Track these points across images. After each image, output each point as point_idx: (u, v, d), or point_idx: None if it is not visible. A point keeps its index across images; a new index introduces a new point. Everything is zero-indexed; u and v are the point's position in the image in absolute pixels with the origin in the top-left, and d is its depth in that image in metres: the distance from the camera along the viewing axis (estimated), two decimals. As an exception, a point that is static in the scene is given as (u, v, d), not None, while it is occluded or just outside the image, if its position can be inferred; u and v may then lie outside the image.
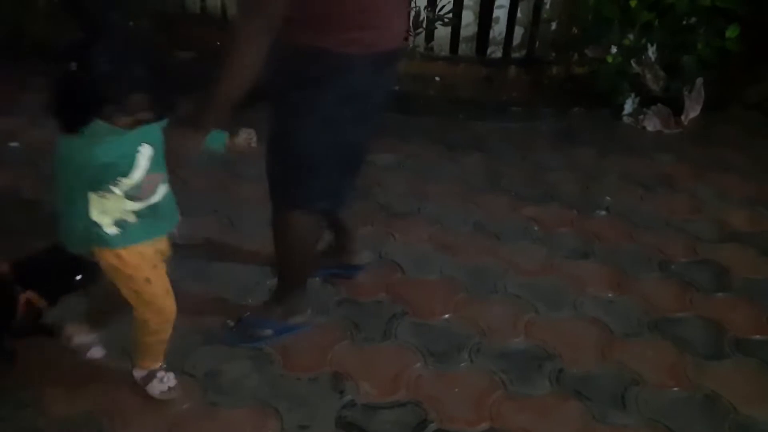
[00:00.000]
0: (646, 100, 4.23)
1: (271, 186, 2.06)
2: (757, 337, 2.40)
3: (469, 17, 4.60)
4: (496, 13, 4.60)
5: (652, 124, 4.16)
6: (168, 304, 1.82)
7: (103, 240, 1.68)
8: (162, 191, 1.71)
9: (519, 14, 4.61)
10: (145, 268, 1.75)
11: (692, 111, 4.19)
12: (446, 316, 2.43)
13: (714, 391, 2.13)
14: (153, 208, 1.70)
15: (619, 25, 4.12)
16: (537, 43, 4.71)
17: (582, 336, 2.37)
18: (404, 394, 2.06)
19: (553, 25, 4.67)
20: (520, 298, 2.55)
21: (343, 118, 1.89)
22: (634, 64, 4.15)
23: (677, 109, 4.18)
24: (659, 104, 4.19)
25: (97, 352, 2.08)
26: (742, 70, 4.39)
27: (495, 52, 4.71)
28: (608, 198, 3.27)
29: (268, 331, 2.23)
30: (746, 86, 4.55)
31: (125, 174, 1.60)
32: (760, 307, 2.56)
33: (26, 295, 1.84)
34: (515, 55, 4.73)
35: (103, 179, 1.59)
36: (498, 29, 4.66)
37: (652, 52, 4.13)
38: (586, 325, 2.42)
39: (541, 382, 2.15)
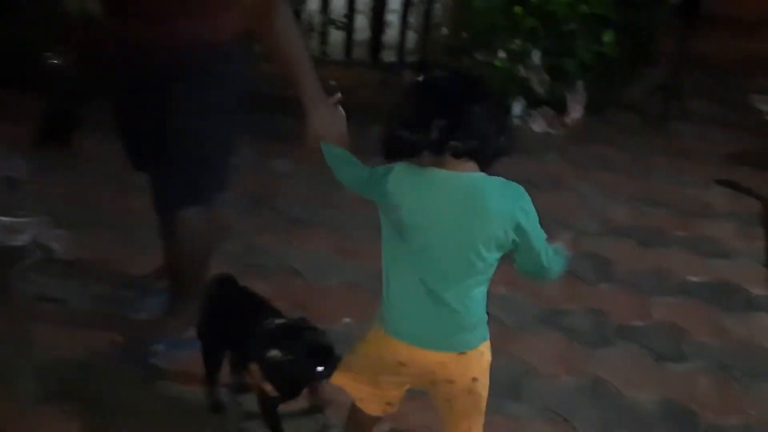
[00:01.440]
0: (533, 103, 4.42)
1: (165, 188, 2.00)
2: (638, 323, 2.57)
3: (362, 21, 4.64)
4: (389, 17, 4.67)
5: (539, 125, 4.35)
6: None
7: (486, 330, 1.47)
8: None
9: (411, 19, 4.70)
10: None
11: (575, 112, 4.43)
12: (346, 320, 2.43)
13: (600, 377, 2.26)
14: None
15: (505, 31, 4.29)
16: (429, 47, 4.82)
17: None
18: (305, 400, 2.04)
19: (444, 30, 4.79)
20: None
21: (230, 105, 1.92)
22: (520, 68, 4.33)
23: (561, 110, 4.40)
24: (545, 106, 4.39)
25: None
26: (619, 73, 4.69)
27: (389, 56, 4.78)
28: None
29: (161, 347, 2.14)
30: (623, 88, 4.86)
31: None
32: (639, 295, 2.73)
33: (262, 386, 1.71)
34: (409, 59, 4.81)
35: None
36: (391, 33, 4.73)
37: (536, 56, 4.32)
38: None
39: (440, 380, 2.19)
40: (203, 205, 2.04)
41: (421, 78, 1.43)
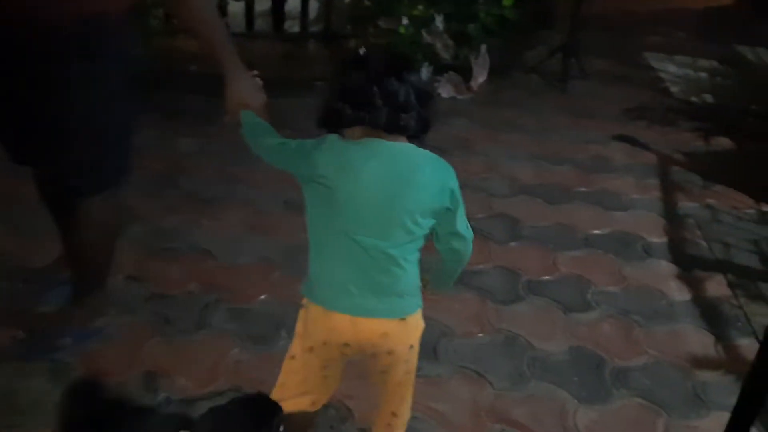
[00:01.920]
0: (439, 68, 4.47)
1: (63, 179, 1.88)
2: (546, 277, 2.67)
3: (262, -8, 4.52)
4: (290, -13, 4.57)
5: (445, 90, 4.40)
6: None
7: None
8: None
9: (313, -12, 4.62)
10: None
11: (480, 76, 4.51)
12: (262, 297, 2.41)
13: (513, 332, 2.34)
14: None
15: (407, -3, 4.29)
16: (333, 16, 4.76)
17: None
18: (223, 382, 2.02)
19: (347, -1, 4.75)
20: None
21: (126, 83, 1.82)
22: (425, 34, 4.35)
23: (467, 75, 4.47)
24: (451, 72, 4.45)
25: None
26: (520, 37, 4.80)
27: (292, 26, 4.68)
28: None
29: (67, 340, 2.05)
30: (524, 51, 4.98)
31: None
32: (547, 250, 2.84)
33: None
34: (313, 29, 4.73)
35: None
36: (293, 3, 4.64)
37: (439, 21, 4.35)
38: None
39: (359, 349, 2.21)
40: (106, 192, 1.94)
41: (359, 52, 1.47)
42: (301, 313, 1.53)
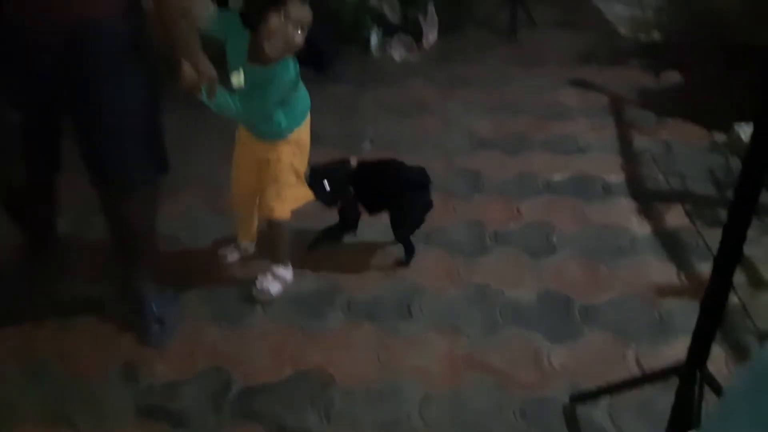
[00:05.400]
0: (389, 31, 4.43)
1: (121, 172, 1.93)
2: (511, 226, 2.72)
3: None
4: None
5: (398, 53, 4.38)
6: None
7: None
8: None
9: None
10: None
11: (431, 35, 4.49)
12: (230, 276, 2.42)
13: (483, 283, 2.40)
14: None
15: (350, -39, 4.23)
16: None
17: (366, 263, 2.50)
18: (202, 363, 2.04)
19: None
20: (304, 243, 2.60)
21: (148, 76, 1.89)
22: (371, -2, 4.31)
23: (418, 35, 4.45)
24: (401, 33, 4.42)
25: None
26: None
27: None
28: (371, 130, 3.43)
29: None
30: (472, 6, 4.97)
31: None
32: (509, 200, 2.89)
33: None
34: (257, 3, 4.66)
35: None
36: (235, -20, 4.55)
37: (384, -17, 4.31)
38: (369, 252, 2.56)
39: (334, 316, 2.25)
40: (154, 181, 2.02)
41: None
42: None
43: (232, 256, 2.48)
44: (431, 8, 4.45)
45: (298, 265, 2.43)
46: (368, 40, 4.41)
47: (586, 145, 3.37)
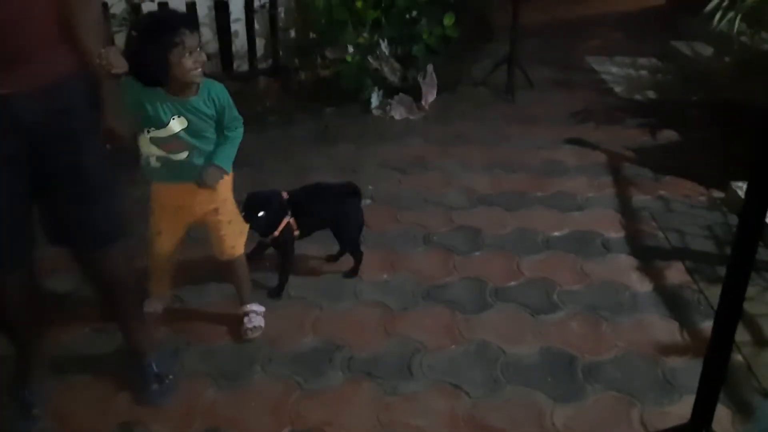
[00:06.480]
0: (389, 92, 4.54)
1: (102, 227, 1.92)
2: (512, 283, 2.72)
3: (208, 34, 4.55)
4: (234, 27, 4.62)
5: (398, 112, 4.47)
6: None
7: None
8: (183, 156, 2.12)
9: (257, 26, 4.67)
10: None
11: (430, 95, 4.60)
12: (228, 332, 2.40)
13: (484, 340, 2.37)
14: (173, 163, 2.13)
15: (351, 26, 4.37)
16: (280, 51, 4.82)
17: (365, 321, 2.49)
18: (200, 424, 2.00)
19: (292, 33, 4.81)
20: (305, 299, 2.60)
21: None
22: (371, 60, 4.43)
23: (417, 95, 4.55)
24: (401, 94, 4.53)
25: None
26: (463, 53, 4.91)
27: (241, 65, 4.73)
28: (370, 187, 3.46)
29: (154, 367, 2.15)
30: (471, 66, 5.10)
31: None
32: (509, 257, 2.89)
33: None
34: (261, 65, 4.78)
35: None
36: (239, 42, 4.69)
37: (384, 47, 4.44)
38: (368, 310, 2.55)
39: (334, 374, 2.22)
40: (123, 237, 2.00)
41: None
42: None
43: (156, 308, 2.48)
44: (430, 69, 4.57)
45: (296, 322, 2.42)
46: (369, 101, 4.51)
47: (584, 202, 3.40)
